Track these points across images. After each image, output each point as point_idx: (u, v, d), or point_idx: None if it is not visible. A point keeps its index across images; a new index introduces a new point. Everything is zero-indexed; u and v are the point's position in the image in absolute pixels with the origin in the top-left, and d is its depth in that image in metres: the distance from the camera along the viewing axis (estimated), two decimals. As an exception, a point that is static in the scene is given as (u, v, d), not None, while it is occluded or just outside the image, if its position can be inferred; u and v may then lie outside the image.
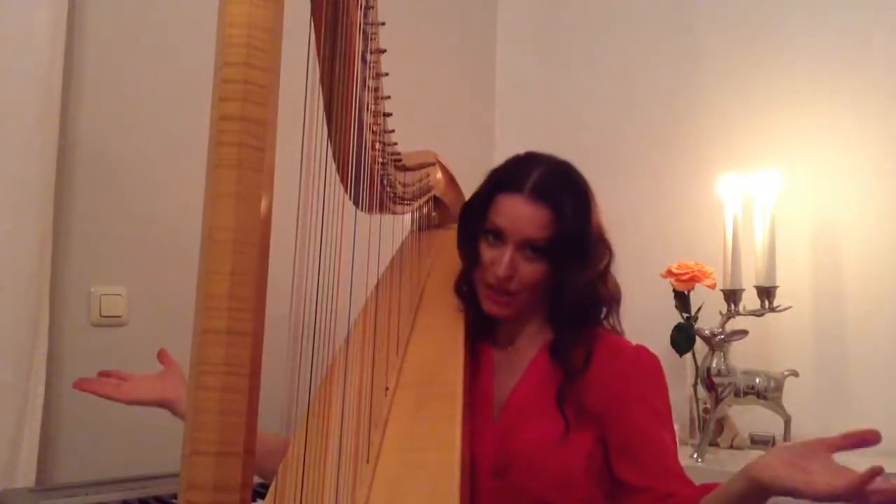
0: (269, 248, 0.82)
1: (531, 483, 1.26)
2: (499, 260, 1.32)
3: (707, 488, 1.18)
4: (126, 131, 2.06)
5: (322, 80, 1.18)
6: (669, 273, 2.29)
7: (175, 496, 1.63)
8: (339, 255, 1.15)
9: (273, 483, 1.10)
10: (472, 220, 1.40)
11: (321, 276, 1.09)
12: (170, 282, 2.05)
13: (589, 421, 1.29)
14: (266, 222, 0.81)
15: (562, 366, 1.32)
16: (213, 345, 0.76)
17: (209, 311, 0.76)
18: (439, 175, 1.69)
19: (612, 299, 1.40)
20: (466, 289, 1.44)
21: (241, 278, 0.77)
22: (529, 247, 1.32)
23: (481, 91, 2.99)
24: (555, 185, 1.34)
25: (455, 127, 2.75)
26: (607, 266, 1.39)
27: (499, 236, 1.34)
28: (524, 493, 1.26)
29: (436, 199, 1.73)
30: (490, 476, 1.28)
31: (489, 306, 1.37)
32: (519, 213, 1.32)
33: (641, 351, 1.38)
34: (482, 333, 1.44)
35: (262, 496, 1.13)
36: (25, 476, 1.80)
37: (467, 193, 1.50)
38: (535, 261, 1.33)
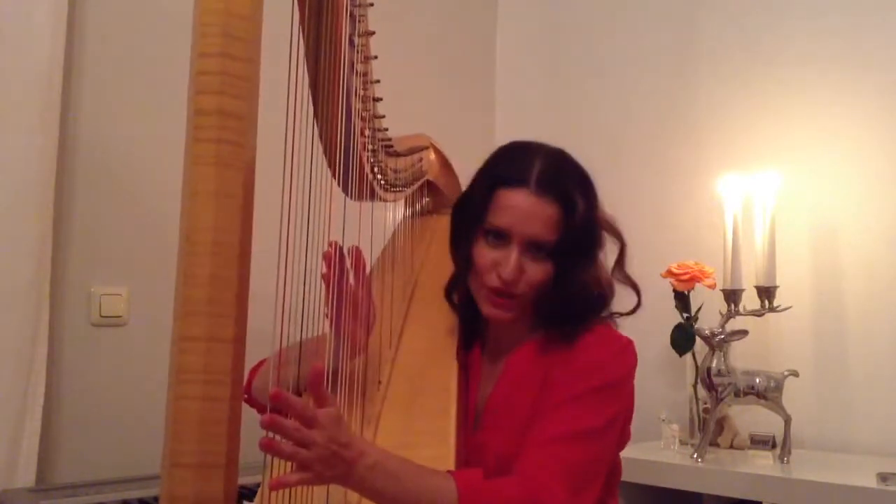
0: (250, 249, 0.78)
1: None
2: (504, 261, 1.20)
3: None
4: (126, 131, 2.06)
5: (307, 65, 1.09)
6: (669, 273, 2.28)
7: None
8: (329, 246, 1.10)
9: (261, 485, 1.09)
10: (469, 220, 1.26)
11: (308, 274, 1.03)
12: (170, 282, 2.01)
13: None
14: (247, 222, 0.77)
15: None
16: (192, 352, 0.72)
17: (187, 317, 0.73)
18: (433, 157, 1.61)
19: (610, 288, 1.29)
20: (460, 294, 1.34)
21: (220, 282, 0.74)
22: (535, 246, 1.21)
23: (481, 89, 2.98)
24: (561, 174, 1.22)
25: (455, 124, 2.73)
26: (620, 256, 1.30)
27: (501, 236, 1.21)
28: None
29: (429, 184, 1.66)
30: None
31: (490, 310, 1.25)
32: (525, 211, 1.19)
33: (624, 341, 1.27)
34: (473, 340, 1.36)
35: (250, 499, 1.11)
36: (25, 476, 1.80)
37: (465, 187, 1.37)
38: (541, 260, 1.21)
